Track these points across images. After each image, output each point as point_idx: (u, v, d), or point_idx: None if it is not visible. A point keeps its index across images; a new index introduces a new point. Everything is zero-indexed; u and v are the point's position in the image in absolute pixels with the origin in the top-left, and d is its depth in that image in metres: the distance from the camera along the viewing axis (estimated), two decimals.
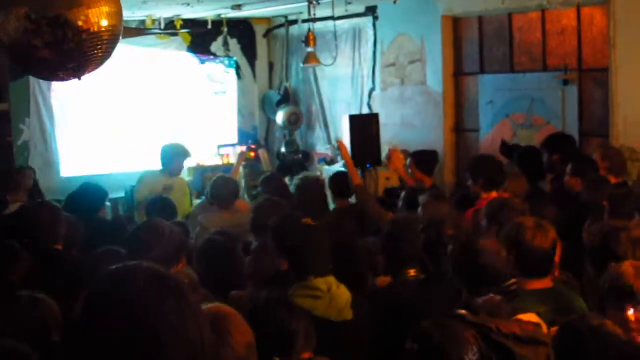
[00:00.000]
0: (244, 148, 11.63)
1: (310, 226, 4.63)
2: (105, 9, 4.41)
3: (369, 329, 4.15)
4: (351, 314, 4.23)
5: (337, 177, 7.50)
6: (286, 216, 5.01)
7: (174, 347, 1.97)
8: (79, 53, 4.40)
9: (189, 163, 11.40)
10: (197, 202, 9.75)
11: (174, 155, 8.39)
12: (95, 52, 4.44)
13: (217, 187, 7.22)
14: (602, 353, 2.67)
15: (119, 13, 4.61)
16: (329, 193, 7.41)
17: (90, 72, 4.65)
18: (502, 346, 2.92)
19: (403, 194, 6.78)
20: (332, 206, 7.52)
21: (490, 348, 2.82)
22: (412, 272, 4.59)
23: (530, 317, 3.26)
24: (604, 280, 3.61)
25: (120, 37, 4.69)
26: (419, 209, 5.89)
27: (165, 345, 1.96)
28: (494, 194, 6.16)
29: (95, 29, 4.37)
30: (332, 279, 4.28)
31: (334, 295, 4.21)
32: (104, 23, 4.41)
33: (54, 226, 5.35)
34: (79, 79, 4.67)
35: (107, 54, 4.60)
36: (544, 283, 4.05)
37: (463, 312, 3.04)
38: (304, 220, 4.73)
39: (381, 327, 3.64)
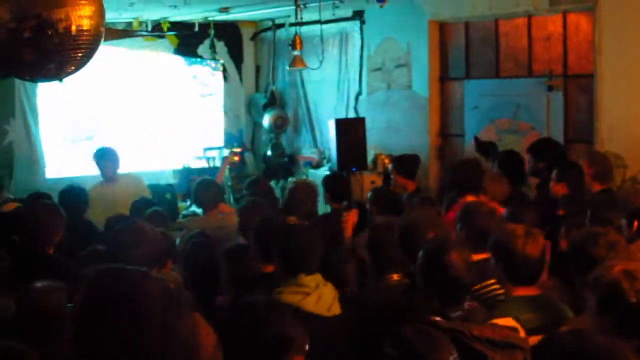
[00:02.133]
0: (227, 152, 11.62)
1: (303, 225, 4.62)
2: (86, 10, 4.39)
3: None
4: (339, 310, 4.23)
5: (332, 180, 7.52)
6: (269, 217, 4.99)
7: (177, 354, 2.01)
8: (59, 53, 4.38)
9: (173, 164, 11.43)
10: (182, 205, 9.71)
11: (98, 161, 7.97)
12: (76, 52, 4.42)
13: (199, 190, 7.19)
14: None
15: (100, 14, 4.59)
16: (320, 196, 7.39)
17: (71, 73, 4.62)
18: (475, 350, 2.91)
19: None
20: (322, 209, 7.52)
21: (463, 352, 2.81)
22: (395, 277, 4.57)
23: (507, 321, 3.24)
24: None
25: (102, 38, 4.67)
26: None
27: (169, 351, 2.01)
28: (470, 198, 6.13)
29: (76, 30, 4.34)
30: (319, 277, 4.29)
31: (322, 292, 4.22)
32: (85, 23, 4.38)
33: (52, 230, 5.26)
34: (60, 79, 4.64)
35: (88, 55, 4.57)
36: (531, 290, 4.01)
37: (436, 318, 3.03)
38: (289, 219, 4.72)
39: (356, 331, 3.61)
